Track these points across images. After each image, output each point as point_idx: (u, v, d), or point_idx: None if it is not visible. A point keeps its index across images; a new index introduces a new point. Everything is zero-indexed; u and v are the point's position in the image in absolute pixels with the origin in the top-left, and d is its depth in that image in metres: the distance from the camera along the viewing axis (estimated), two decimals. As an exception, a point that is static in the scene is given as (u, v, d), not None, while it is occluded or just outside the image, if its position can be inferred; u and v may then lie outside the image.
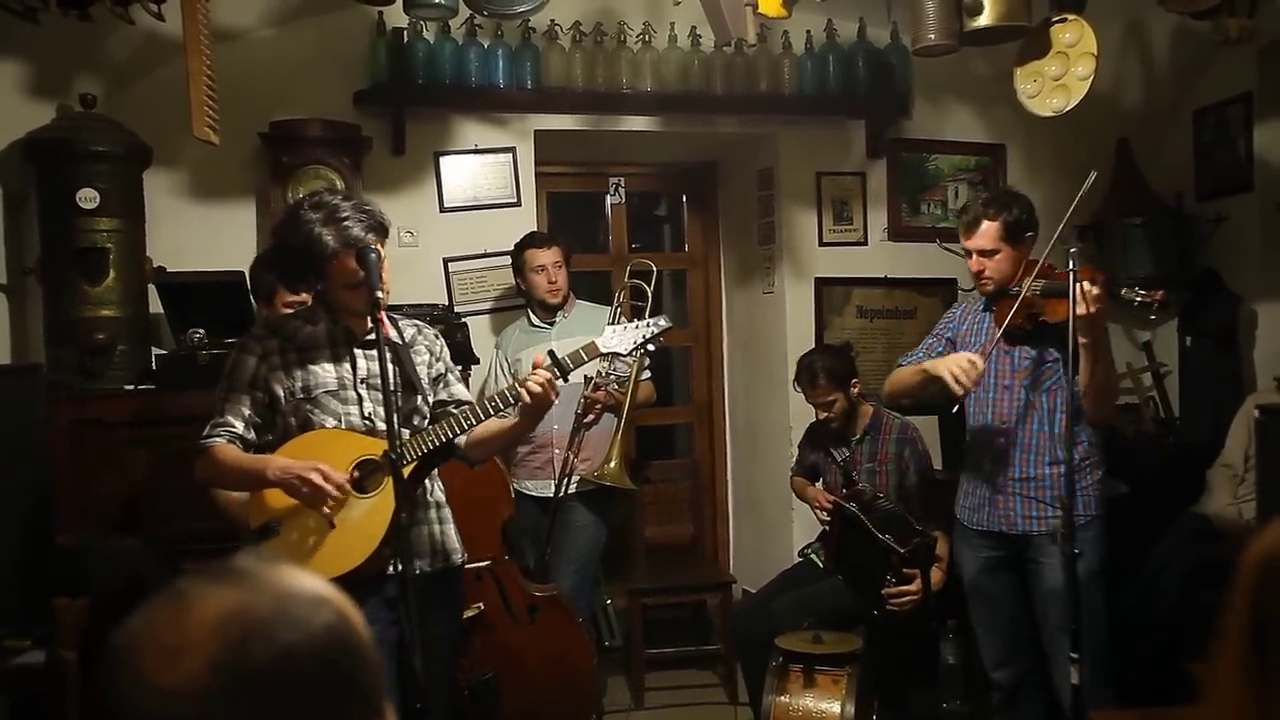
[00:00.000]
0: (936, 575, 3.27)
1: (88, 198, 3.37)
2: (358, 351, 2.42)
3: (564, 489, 3.73)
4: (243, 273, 3.57)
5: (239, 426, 2.36)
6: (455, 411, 2.42)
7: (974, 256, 2.93)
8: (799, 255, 4.53)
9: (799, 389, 3.63)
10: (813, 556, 3.66)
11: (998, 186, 4.66)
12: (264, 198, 3.85)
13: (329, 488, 2.21)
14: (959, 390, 2.76)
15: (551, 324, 3.89)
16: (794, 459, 3.96)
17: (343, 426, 2.37)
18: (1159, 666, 3.08)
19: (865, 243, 4.57)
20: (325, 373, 2.40)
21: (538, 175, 4.30)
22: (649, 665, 4.16)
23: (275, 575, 0.82)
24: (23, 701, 2.69)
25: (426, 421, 2.45)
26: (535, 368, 2.37)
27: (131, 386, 3.43)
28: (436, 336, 2.60)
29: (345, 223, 2.26)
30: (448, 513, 2.52)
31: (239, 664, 0.75)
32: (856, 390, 3.56)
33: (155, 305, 3.60)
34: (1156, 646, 3.21)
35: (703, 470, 4.97)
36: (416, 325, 2.57)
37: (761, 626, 3.41)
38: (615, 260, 4.90)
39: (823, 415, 3.57)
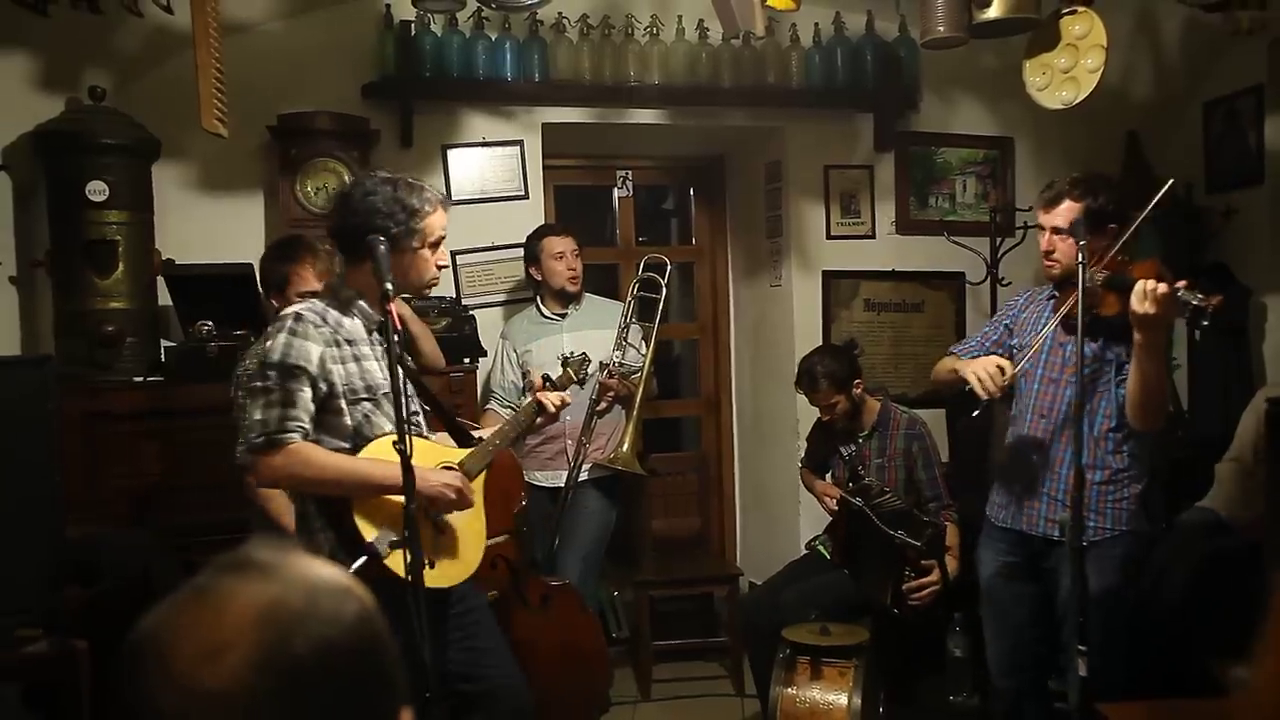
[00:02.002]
0: (951, 563, 3.28)
1: (97, 190, 3.38)
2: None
3: (575, 476, 3.74)
4: (251, 265, 3.58)
5: (307, 422, 2.19)
6: (499, 427, 2.61)
7: (1047, 234, 2.74)
8: (807, 248, 4.52)
9: (800, 391, 3.62)
10: (820, 548, 3.66)
11: (1007, 179, 4.66)
12: (272, 190, 3.86)
13: (470, 497, 2.30)
14: (983, 394, 2.64)
15: (563, 316, 3.89)
16: (802, 451, 3.96)
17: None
18: (1167, 659, 3.07)
19: (873, 236, 4.57)
20: (378, 372, 2.28)
21: (545, 168, 4.30)
22: (656, 657, 4.16)
23: (299, 566, 0.81)
24: (34, 691, 2.70)
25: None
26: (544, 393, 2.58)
27: (141, 378, 3.44)
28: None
29: (416, 217, 2.27)
30: None
31: (281, 660, 0.74)
32: (859, 390, 3.55)
33: (164, 297, 3.62)
34: (1165, 639, 3.21)
35: (710, 463, 4.97)
36: None
37: (769, 618, 3.41)
38: (623, 254, 4.90)
39: (825, 418, 3.56)
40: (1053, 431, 2.76)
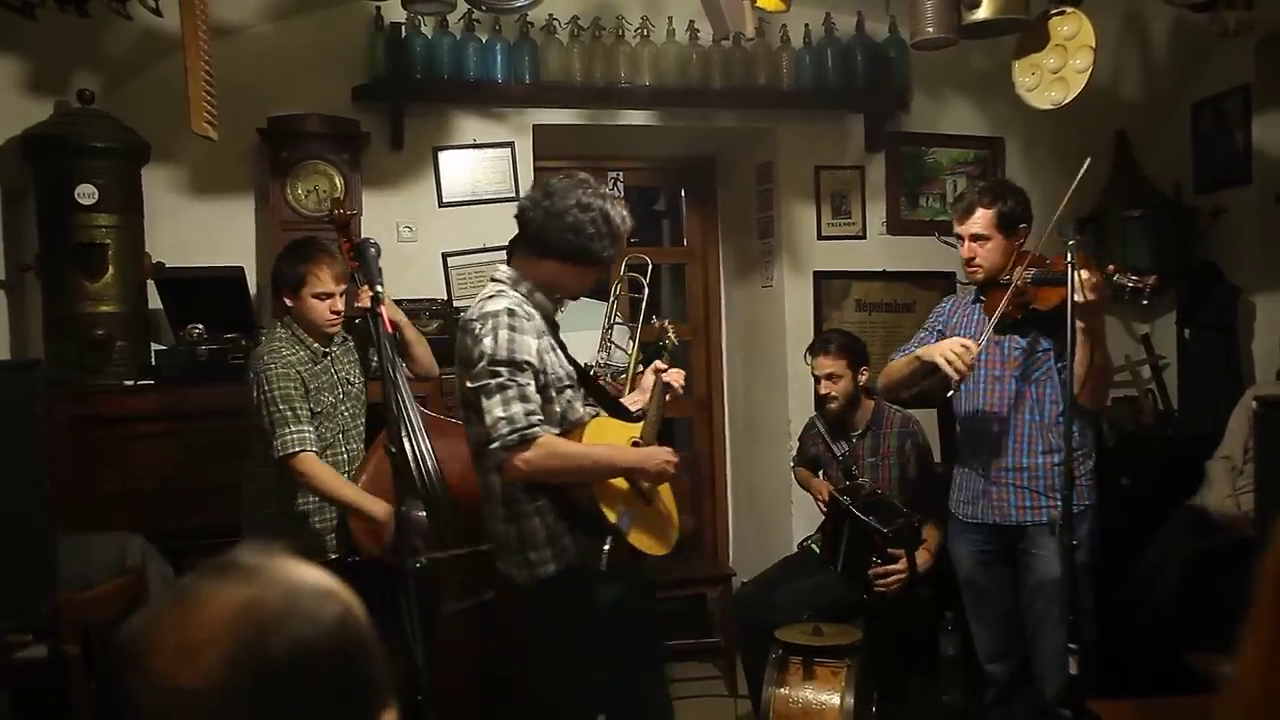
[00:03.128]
0: (923, 557, 3.30)
1: (86, 194, 3.37)
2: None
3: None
4: (242, 268, 3.58)
5: (540, 412, 2.30)
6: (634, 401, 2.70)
7: (965, 243, 2.92)
8: (798, 249, 4.53)
9: (809, 359, 3.65)
10: (812, 547, 3.66)
11: (996, 178, 4.67)
12: (263, 193, 3.85)
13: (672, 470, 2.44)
14: (953, 374, 2.74)
15: (550, 317, 3.89)
16: (793, 449, 3.96)
17: (573, 415, 2.42)
18: (1158, 657, 3.08)
19: (864, 236, 4.57)
20: (565, 363, 2.43)
21: (536, 170, 4.29)
22: (649, 659, 4.16)
23: (281, 569, 0.81)
24: (25, 696, 2.70)
25: None
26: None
27: (131, 382, 3.43)
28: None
29: (613, 244, 2.40)
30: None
31: (255, 659, 0.75)
32: (864, 379, 3.56)
33: (154, 301, 3.61)
34: (1155, 637, 3.22)
35: (702, 464, 4.97)
36: None
37: (761, 617, 3.41)
38: (614, 255, 4.89)
39: (824, 391, 3.55)
40: (1005, 424, 2.90)
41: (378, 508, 2.76)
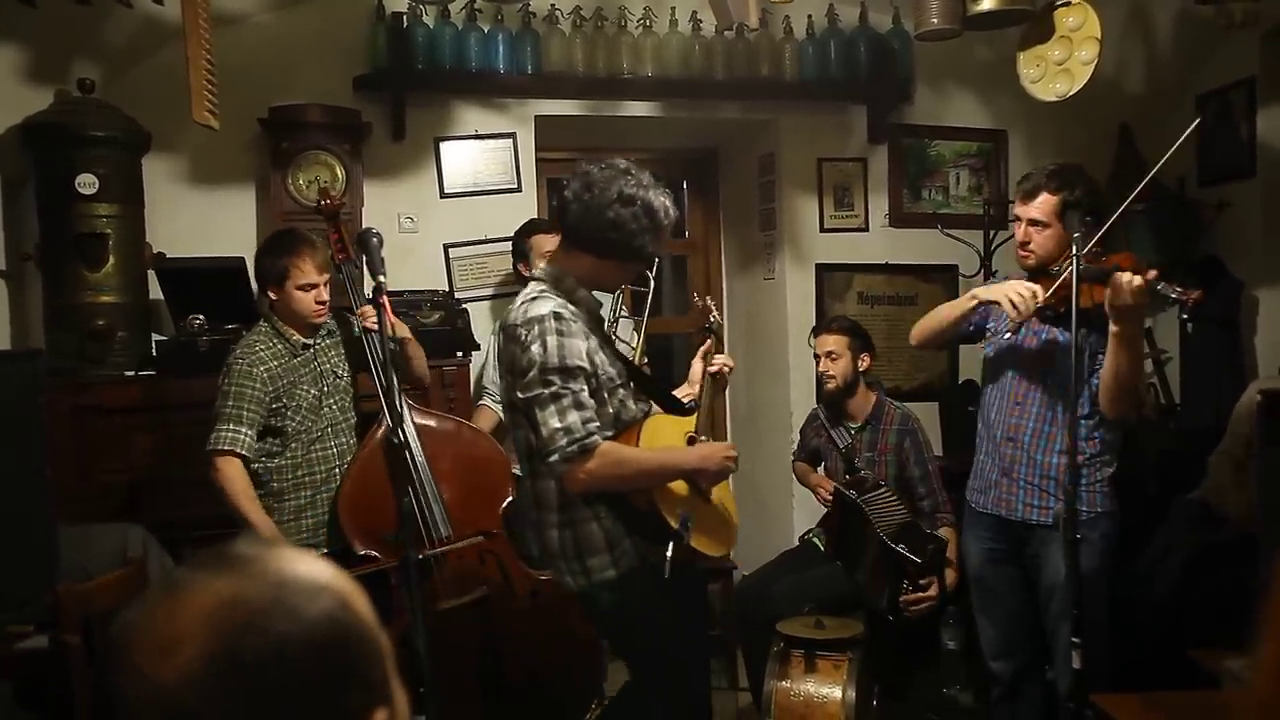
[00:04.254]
0: (950, 577, 3.30)
1: (87, 183, 3.35)
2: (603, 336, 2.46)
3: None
4: (243, 258, 3.56)
5: (597, 420, 2.24)
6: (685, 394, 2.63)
7: (1023, 225, 2.78)
8: (800, 241, 4.52)
9: (813, 340, 3.66)
10: (814, 540, 3.66)
11: (1000, 172, 4.66)
12: (263, 183, 3.84)
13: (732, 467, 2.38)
14: (1015, 316, 2.63)
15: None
16: (794, 442, 3.96)
17: (627, 415, 2.37)
18: (1160, 651, 3.08)
19: (866, 229, 4.56)
20: (615, 361, 2.38)
21: (538, 161, 4.29)
22: (650, 651, 4.16)
23: (275, 562, 0.80)
24: (26, 687, 2.69)
25: None
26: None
27: (132, 373, 3.43)
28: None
29: (657, 238, 2.34)
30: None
31: (231, 657, 0.74)
32: (865, 365, 3.55)
33: (155, 291, 3.60)
34: (1157, 632, 3.22)
35: (703, 457, 4.96)
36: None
37: (763, 610, 3.41)
38: (616, 246, 4.88)
39: (822, 368, 3.55)
40: (1026, 418, 2.82)
41: (267, 531, 2.76)
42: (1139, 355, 2.64)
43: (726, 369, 2.64)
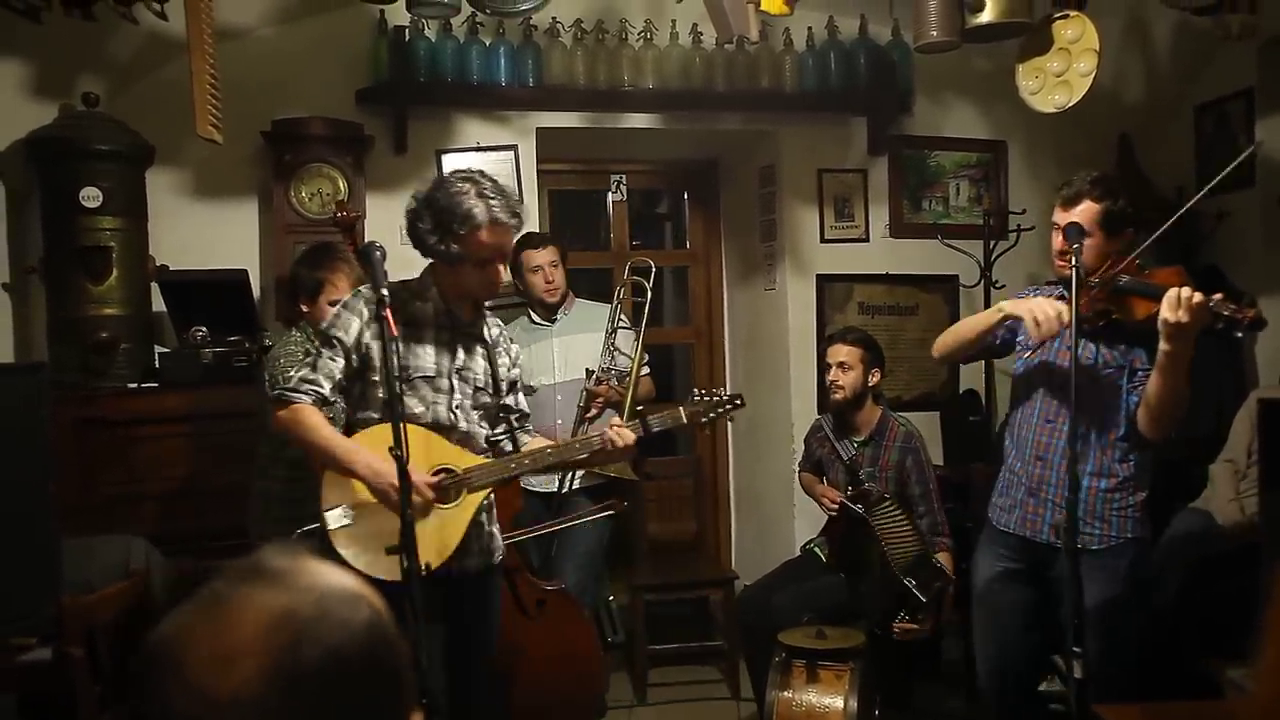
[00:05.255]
0: (947, 609, 3.31)
1: (91, 196, 3.37)
2: (459, 341, 2.47)
3: (568, 484, 3.74)
4: (245, 271, 3.58)
5: (326, 388, 2.35)
6: (540, 448, 2.53)
7: (1062, 234, 2.64)
8: (800, 252, 4.53)
9: (825, 348, 3.67)
10: (816, 550, 3.66)
11: (1000, 182, 4.68)
12: (266, 196, 3.86)
13: (428, 494, 2.29)
14: (1037, 336, 2.54)
15: (552, 322, 3.90)
16: (795, 453, 3.96)
17: (428, 417, 2.40)
18: (1162, 660, 3.08)
19: (867, 239, 4.58)
20: (426, 356, 2.42)
21: (539, 173, 4.30)
22: (652, 661, 4.16)
23: (312, 574, 0.82)
24: (29, 699, 2.70)
25: (503, 426, 2.57)
26: (617, 428, 2.50)
27: (135, 385, 3.44)
28: (512, 341, 2.66)
29: (492, 201, 2.33)
30: (494, 513, 2.59)
31: (290, 669, 0.75)
32: (875, 381, 3.55)
33: (158, 304, 3.61)
34: (1159, 640, 3.22)
35: (705, 467, 4.97)
36: (499, 324, 2.63)
37: (764, 620, 3.41)
38: (616, 258, 4.90)
39: (832, 378, 3.55)
40: (1059, 438, 2.68)
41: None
42: (1187, 376, 2.48)
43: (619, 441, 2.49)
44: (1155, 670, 3.05)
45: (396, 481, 2.15)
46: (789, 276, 4.52)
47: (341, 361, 2.36)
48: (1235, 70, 4.13)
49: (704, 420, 2.61)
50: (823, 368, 3.72)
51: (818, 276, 4.52)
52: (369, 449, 2.29)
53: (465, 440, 2.46)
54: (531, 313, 3.95)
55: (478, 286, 2.45)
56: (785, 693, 3.13)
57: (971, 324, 2.85)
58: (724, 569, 4.70)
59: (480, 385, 2.48)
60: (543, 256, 3.85)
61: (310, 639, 0.76)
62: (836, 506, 3.48)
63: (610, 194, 4.95)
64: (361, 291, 2.42)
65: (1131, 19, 4.24)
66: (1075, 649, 2.42)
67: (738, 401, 2.65)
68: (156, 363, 3.53)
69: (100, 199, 3.38)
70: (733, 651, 4.11)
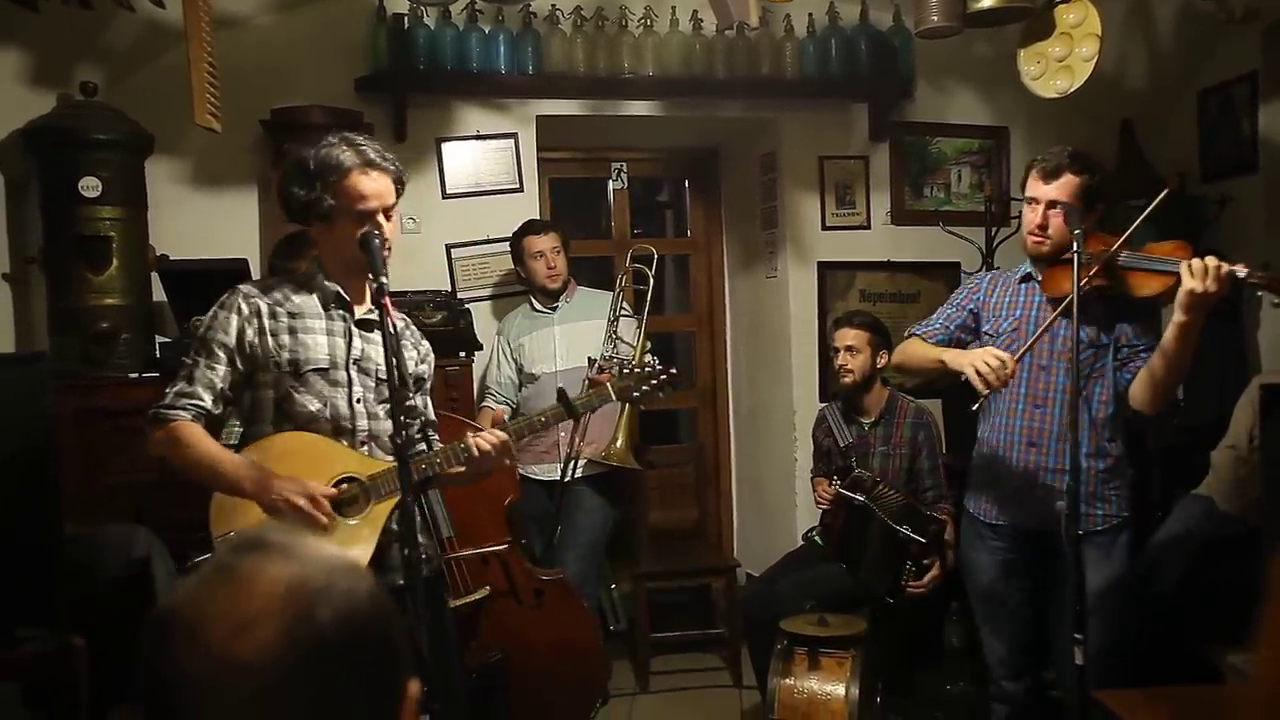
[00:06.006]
0: (950, 559, 3.29)
1: (90, 186, 3.36)
2: (354, 327, 2.23)
3: (570, 473, 3.74)
4: (246, 260, 3.57)
5: (207, 400, 2.13)
6: (432, 451, 2.28)
7: (1039, 208, 2.59)
8: (802, 239, 4.52)
9: (832, 332, 3.65)
10: (816, 539, 3.66)
11: (1002, 169, 4.66)
12: (266, 185, 3.85)
13: (320, 516, 2.05)
14: (983, 389, 2.47)
15: (553, 309, 3.90)
16: (797, 441, 3.95)
17: (327, 413, 2.17)
18: (1163, 646, 3.08)
19: (868, 226, 4.57)
20: (316, 347, 2.18)
21: (540, 161, 4.29)
22: (654, 649, 4.17)
23: (314, 548, 0.86)
24: (33, 689, 2.70)
25: (416, 424, 2.32)
26: (494, 424, 2.31)
27: (136, 375, 3.43)
28: (423, 338, 2.44)
29: (362, 146, 2.16)
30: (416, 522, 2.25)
31: (309, 631, 0.79)
32: (882, 364, 3.55)
33: (159, 293, 3.61)
34: (1161, 627, 3.22)
35: (707, 455, 4.97)
36: (405, 319, 2.41)
37: (766, 608, 3.41)
38: (617, 245, 4.89)
39: (840, 362, 3.55)
40: (1048, 421, 2.65)
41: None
42: (1195, 349, 2.45)
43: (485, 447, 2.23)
44: (1156, 655, 3.05)
45: (289, 495, 2.02)
46: (790, 264, 4.51)
47: (223, 368, 2.14)
48: (1239, 54, 4.10)
49: (635, 395, 2.45)
50: (829, 353, 3.71)
51: (819, 264, 4.52)
52: (262, 463, 2.08)
53: (370, 440, 2.22)
54: (533, 300, 3.95)
55: (340, 244, 2.17)
56: (787, 680, 3.14)
57: (916, 360, 2.80)
58: (726, 557, 4.71)
59: (383, 378, 2.18)
60: (545, 242, 3.84)
61: (323, 604, 0.80)
62: (833, 501, 3.40)
63: (611, 182, 4.94)
64: (240, 287, 2.21)
65: (1134, 3, 4.22)
66: (1077, 635, 2.42)
67: (672, 372, 2.46)
68: (158, 352, 3.53)
69: (100, 189, 3.38)
70: (735, 639, 4.12)
